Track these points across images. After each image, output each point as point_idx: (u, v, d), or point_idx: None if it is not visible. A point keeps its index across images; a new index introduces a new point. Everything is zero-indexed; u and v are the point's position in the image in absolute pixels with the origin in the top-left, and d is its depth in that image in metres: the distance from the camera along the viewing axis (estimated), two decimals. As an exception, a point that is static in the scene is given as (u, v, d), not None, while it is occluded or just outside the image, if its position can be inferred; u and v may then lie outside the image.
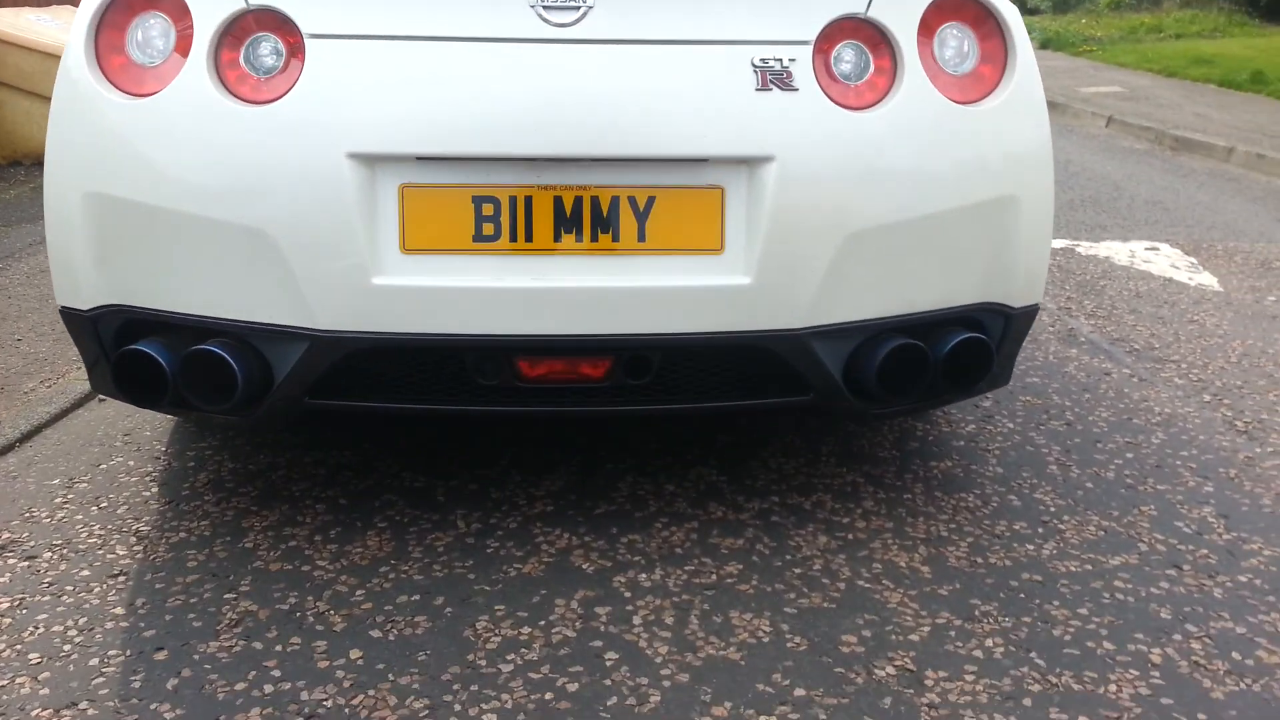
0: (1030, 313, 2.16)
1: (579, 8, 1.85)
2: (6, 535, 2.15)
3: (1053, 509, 2.30)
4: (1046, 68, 10.61)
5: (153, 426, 2.66)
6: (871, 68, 1.96)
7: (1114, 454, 2.59)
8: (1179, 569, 2.07)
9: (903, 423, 2.72)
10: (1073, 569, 2.06)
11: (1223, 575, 2.05)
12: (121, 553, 2.09)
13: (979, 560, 2.09)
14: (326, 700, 1.66)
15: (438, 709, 1.64)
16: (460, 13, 1.85)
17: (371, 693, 1.68)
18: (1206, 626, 1.88)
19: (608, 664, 1.75)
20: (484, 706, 1.65)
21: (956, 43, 2.03)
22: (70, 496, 2.32)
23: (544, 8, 1.85)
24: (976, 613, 1.91)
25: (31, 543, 2.12)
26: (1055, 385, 3.05)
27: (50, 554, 2.08)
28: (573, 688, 1.70)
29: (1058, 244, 4.92)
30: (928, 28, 1.99)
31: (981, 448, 2.61)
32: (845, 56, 1.95)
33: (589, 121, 1.84)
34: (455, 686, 1.69)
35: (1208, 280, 4.29)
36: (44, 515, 2.23)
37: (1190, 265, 4.54)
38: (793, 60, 1.89)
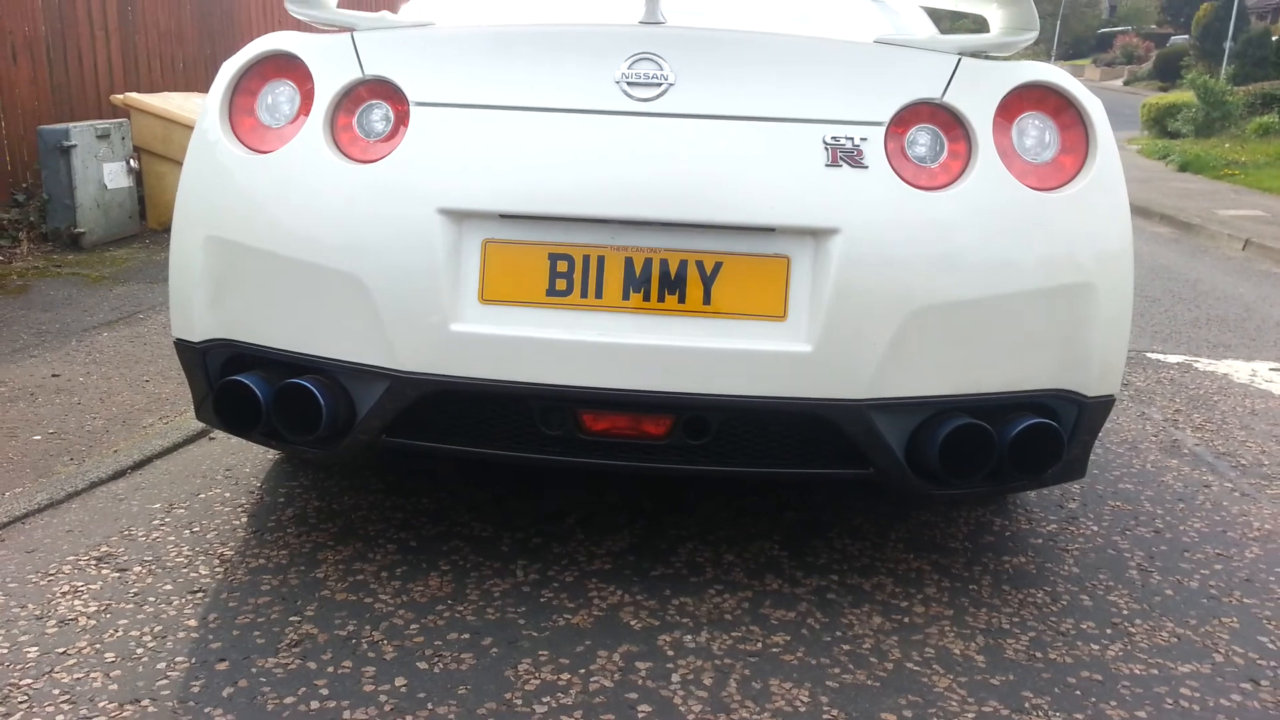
0: (1106, 403, 2.12)
1: (660, 84, 1.97)
2: (105, 549, 2.32)
3: (1125, 612, 2.22)
4: (1184, 189, 10.40)
5: (252, 464, 2.83)
6: (945, 151, 2.00)
7: (1201, 564, 2.48)
8: (1255, 684, 1.96)
9: (979, 515, 2.67)
10: (1137, 671, 1.98)
11: (1304, 693, 1.93)
12: (204, 572, 2.22)
13: (1038, 655, 2.02)
14: (366, 721, 1.72)
15: (469, 740, 1.68)
16: (551, 86, 1.99)
17: (409, 718, 1.73)
18: (1277, 742, 1.78)
19: (639, 715, 1.77)
20: (513, 742, 1.68)
21: (1037, 132, 2.06)
22: (168, 520, 2.48)
23: (628, 84, 1.97)
24: (1027, 705, 1.85)
25: (125, 557, 2.28)
26: (1149, 493, 2.94)
27: (140, 568, 2.23)
28: (602, 734, 1.72)
29: (1174, 359, 4.77)
30: (1006, 114, 2.04)
31: (1060, 547, 2.54)
32: (919, 139, 2.00)
33: (662, 189, 1.93)
34: (489, 720, 1.74)
35: (1334, 404, 4.08)
36: (141, 534, 2.40)
37: (1317, 388, 4.33)
38: (864, 139, 1.96)
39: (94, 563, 2.25)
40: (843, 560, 2.39)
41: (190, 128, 6.12)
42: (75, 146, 5.66)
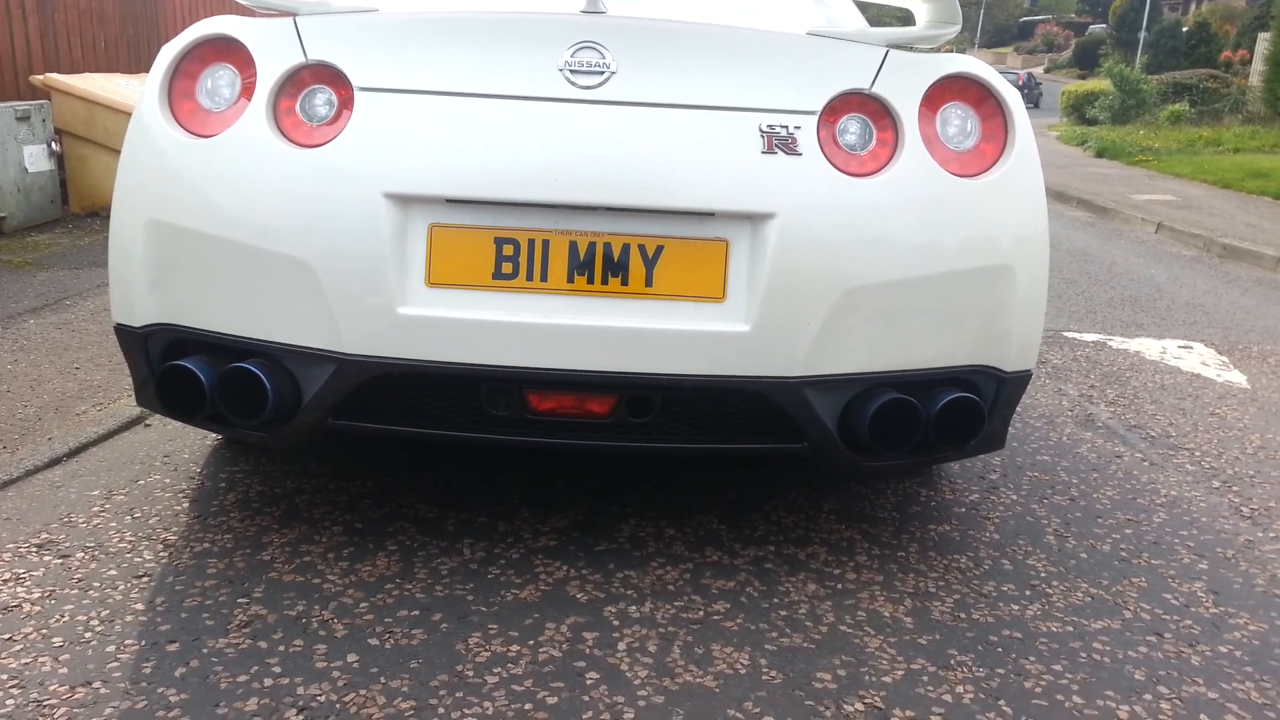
0: (1023, 378, 2.24)
1: (602, 73, 2.02)
2: (45, 536, 2.31)
3: (1043, 574, 2.35)
4: (1101, 175, 10.76)
5: (191, 449, 2.82)
6: (874, 139, 2.10)
7: (1113, 529, 2.63)
8: (1160, 636, 2.11)
9: (906, 487, 2.79)
10: (1054, 629, 2.11)
11: (1203, 645, 2.08)
12: (148, 557, 2.23)
13: (962, 615, 2.14)
14: (320, 696, 1.76)
15: (422, 710, 1.74)
16: (495, 73, 2.03)
17: (363, 692, 1.78)
18: (1179, 690, 1.91)
19: (588, 682, 1.84)
20: (466, 711, 1.74)
21: (959, 121, 2.16)
22: (108, 506, 2.47)
23: (571, 71, 2.02)
24: (952, 661, 1.97)
25: (67, 544, 2.28)
26: (1065, 464, 3.10)
27: (83, 554, 2.23)
28: (552, 701, 1.78)
29: (1089, 337, 4.98)
30: (930, 104, 2.13)
31: (982, 515, 2.67)
32: (849, 128, 2.09)
33: (605, 174, 1.99)
34: (441, 692, 1.79)
35: (1236, 378, 4.31)
36: (81, 521, 2.39)
37: (1221, 364, 4.56)
38: (798, 128, 2.04)
39: (35, 550, 2.24)
40: (779, 532, 2.49)
41: (113, 109, 6.02)
42: (-8, 129, 5.51)
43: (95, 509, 2.46)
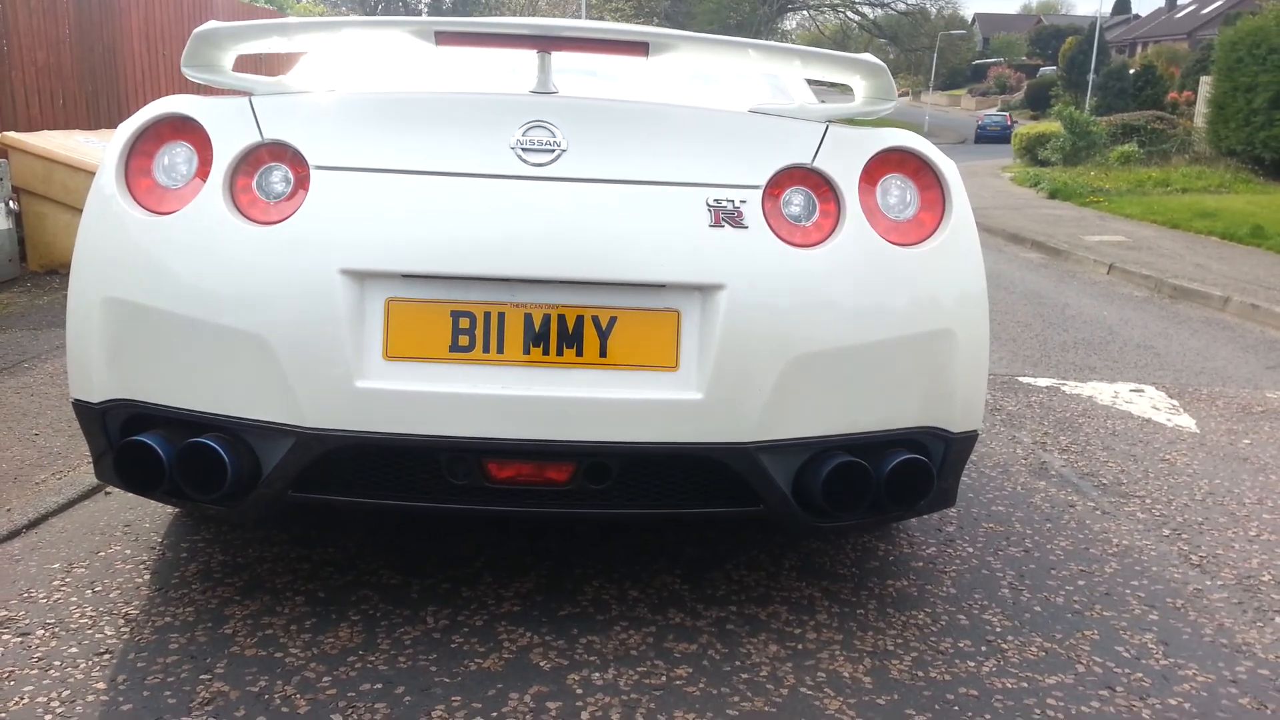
0: (970, 438, 2.30)
1: (553, 150, 2.08)
2: (3, 613, 2.29)
3: (999, 629, 2.40)
4: (1053, 216, 11.00)
5: (152, 519, 2.81)
6: (817, 211, 2.17)
7: (1066, 580, 2.69)
8: (1112, 690, 2.16)
9: (865, 542, 2.84)
10: (1009, 685, 2.15)
11: (1153, 698, 2.13)
12: (110, 633, 2.22)
13: (920, 674, 2.18)
14: (282, 774, 1.76)
15: (385, 787, 1.74)
16: (449, 151, 2.08)
17: (325, 770, 1.78)
18: (1130, 744, 1.96)
19: (551, 753, 1.85)
20: (428, 786, 1.75)
21: (899, 191, 2.24)
22: (68, 580, 2.46)
23: (523, 149, 2.08)
24: (909, 722, 2.00)
25: (26, 620, 2.26)
26: (1019, 514, 3.16)
27: (43, 631, 2.21)
28: (515, 773, 1.79)
29: (1043, 382, 5.08)
30: (870, 177, 2.21)
31: (939, 569, 2.72)
32: (793, 200, 2.16)
33: (558, 248, 2.04)
34: (404, 767, 1.79)
35: (1186, 422, 4.42)
36: (41, 596, 2.37)
37: (1171, 407, 4.67)
38: (744, 201, 2.10)
39: (-8, 628, 2.22)
40: (740, 591, 2.52)
41: (71, 167, 6.02)
42: (-49, 190, 5.48)
43: (55, 583, 2.45)
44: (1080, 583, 2.68)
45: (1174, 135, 20.73)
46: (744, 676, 2.14)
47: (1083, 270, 9.68)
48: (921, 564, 2.74)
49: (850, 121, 2.27)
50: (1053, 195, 15.92)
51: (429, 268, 2.03)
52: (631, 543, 2.73)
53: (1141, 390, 5.00)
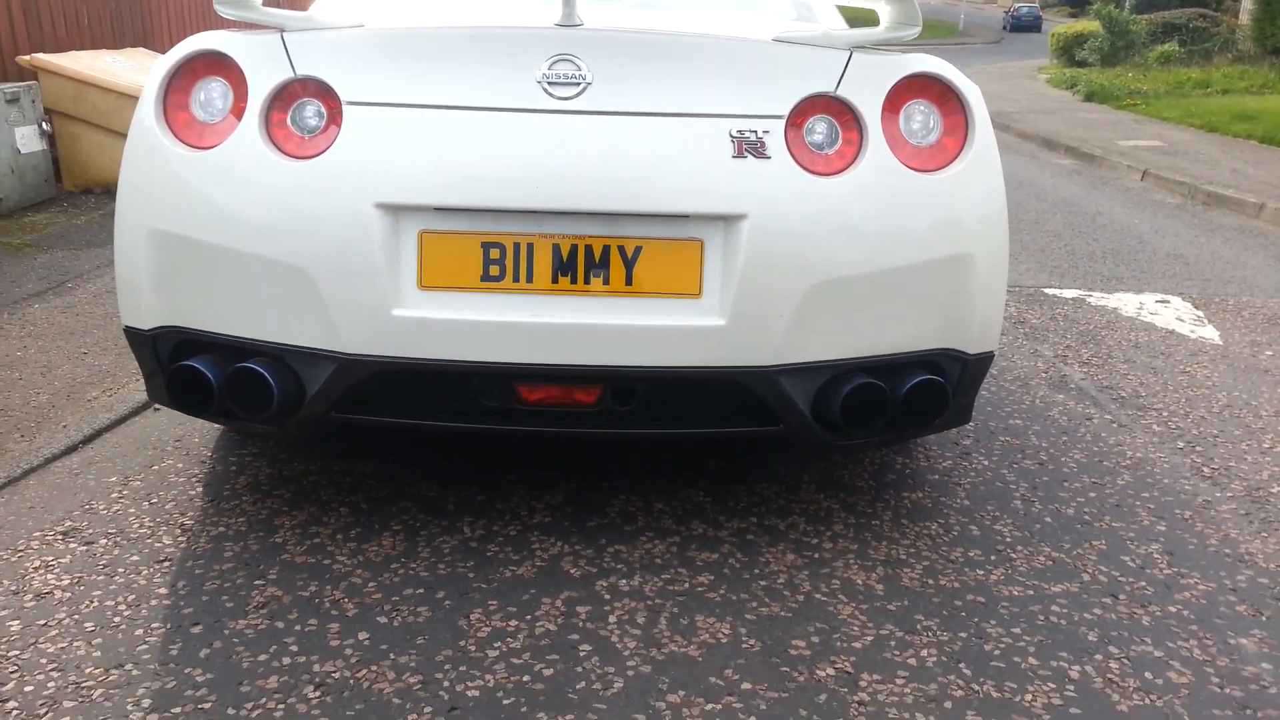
0: (985, 359, 2.37)
1: (579, 84, 2.12)
2: (69, 523, 2.45)
3: (1009, 539, 2.50)
4: (1089, 120, 10.77)
5: (201, 434, 2.96)
6: (840, 139, 2.20)
7: (1078, 493, 2.78)
8: (1115, 598, 2.26)
9: (883, 456, 2.94)
10: (1015, 593, 2.26)
11: (1154, 605, 2.24)
12: (168, 542, 2.37)
13: (930, 582, 2.30)
14: (335, 673, 1.92)
15: (429, 684, 1.89)
16: (477, 86, 2.13)
17: (374, 668, 1.93)
18: (1127, 649, 2.07)
19: (581, 654, 1.99)
20: (469, 684, 1.90)
21: (922, 117, 2.27)
22: (125, 492, 2.62)
23: (549, 83, 2.12)
24: (918, 626, 2.12)
25: (90, 530, 2.42)
26: (1036, 428, 3.24)
27: (106, 540, 2.37)
28: (548, 673, 1.94)
29: (1069, 293, 5.10)
30: (894, 103, 2.24)
31: (954, 482, 2.82)
32: (816, 129, 2.19)
33: (585, 180, 2.10)
34: (446, 666, 1.94)
35: (1209, 333, 4.44)
36: (101, 508, 2.53)
37: (1196, 319, 4.69)
38: (766, 132, 2.15)
39: (60, 537, 2.38)
40: (760, 503, 2.64)
41: (101, 87, 6.07)
42: (-16, 111, 5.56)
43: (114, 495, 2.60)
44: (1091, 494, 2.77)
45: (1217, 34, 20.05)
46: (762, 584, 2.26)
47: (1116, 177, 9.55)
48: (937, 477, 2.84)
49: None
50: (1089, 98, 15.57)
51: (459, 201, 2.10)
52: (657, 458, 2.84)
53: (1167, 301, 5.01)
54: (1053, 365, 3.90)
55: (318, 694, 1.86)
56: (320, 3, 2.78)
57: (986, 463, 2.95)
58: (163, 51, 2.26)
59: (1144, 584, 2.32)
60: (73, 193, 6.33)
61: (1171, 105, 13.72)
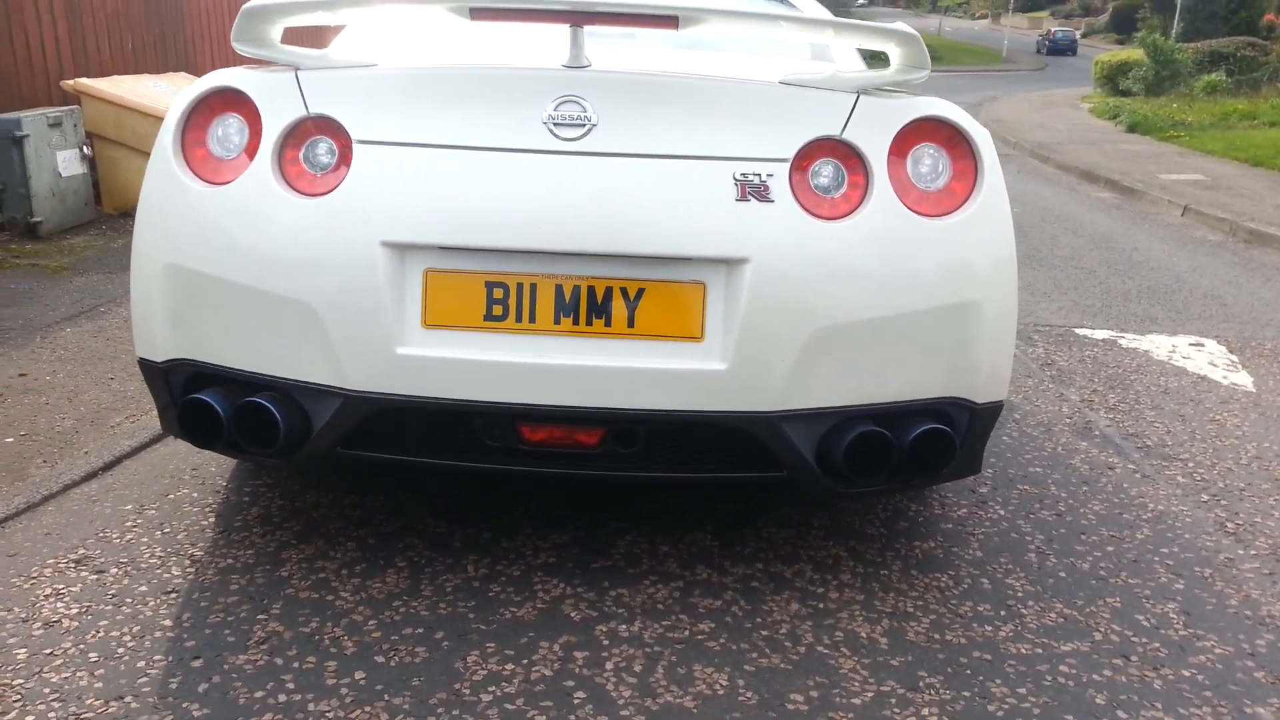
0: (994, 408, 2.34)
1: (584, 125, 2.13)
2: (82, 551, 2.48)
3: (1020, 594, 2.46)
4: (1131, 152, 10.63)
5: (218, 464, 2.99)
6: (845, 183, 2.19)
7: (1095, 546, 2.72)
8: (1126, 659, 2.21)
9: (897, 503, 2.90)
10: (1024, 651, 2.22)
11: (1167, 668, 2.18)
12: (176, 573, 2.39)
13: (936, 637, 2.26)
14: (329, 713, 1.92)
15: (421, 728, 1.89)
16: (483, 126, 2.15)
17: (368, 709, 1.93)
18: (1136, 714, 2.02)
19: (575, 701, 1.98)
20: (461, 730, 1.89)
21: (931, 161, 2.25)
22: (139, 521, 2.65)
23: (554, 124, 2.14)
24: (921, 684, 2.08)
25: (102, 559, 2.45)
26: (1056, 476, 3.19)
27: (116, 570, 2.40)
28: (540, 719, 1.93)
29: (1100, 334, 5.03)
30: (901, 147, 2.22)
31: (967, 531, 2.77)
32: (822, 172, 2.19)
33: (588, 222, 2.11)
34: (440, 710, 1.94)
35: (1243, 380, 4.36)
36: (115, 536, 2.56)
37: (1230, 364, 4.60)
38: (770, 175, 2.14)
39: (73, 565, 2.42)
40: (768, 548, 2.61)
41: (142, 112, 6.20)
42: (28, 136, 5.70)
43: (128, 524, 2.63)
44: (1109, 549, 2.72)
45: (1265, 63, 19.76)
46: (764, 633, 2.24)
47: (1156, 212, 9.42)
48: (951, 526, 2.80)
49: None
50: (1131, 129, 15.39)
51: (464, 240, 2.11)
52: (666, 500, 2.83)
53: (1202, 344, 4.92)
54: (1078, 410, 3.84)
55: (309, 735, 1.86)
56: (340, 41, 2.82)
57: (1003, 512, 2.90)
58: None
59: (1158, 645, 2.27)
60: (112, 215, 6.46)
61: (1216, 138, 13.53)
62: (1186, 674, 2.16)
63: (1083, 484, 3.13)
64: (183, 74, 7.42)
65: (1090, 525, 2.85)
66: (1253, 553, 2.74)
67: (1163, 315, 5.52)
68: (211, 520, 2.66)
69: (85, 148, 6.21)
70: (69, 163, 6.03)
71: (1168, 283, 6.38)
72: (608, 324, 2.13)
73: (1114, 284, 6.27)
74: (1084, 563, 2.63)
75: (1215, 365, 4.57)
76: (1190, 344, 4.93)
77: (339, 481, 2.87)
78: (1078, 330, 5.10)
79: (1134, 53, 21.78)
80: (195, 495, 2.80)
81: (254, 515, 2.69)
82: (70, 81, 6.28)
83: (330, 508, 2.73)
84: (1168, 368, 4.50)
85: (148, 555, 2.47)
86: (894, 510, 2.86)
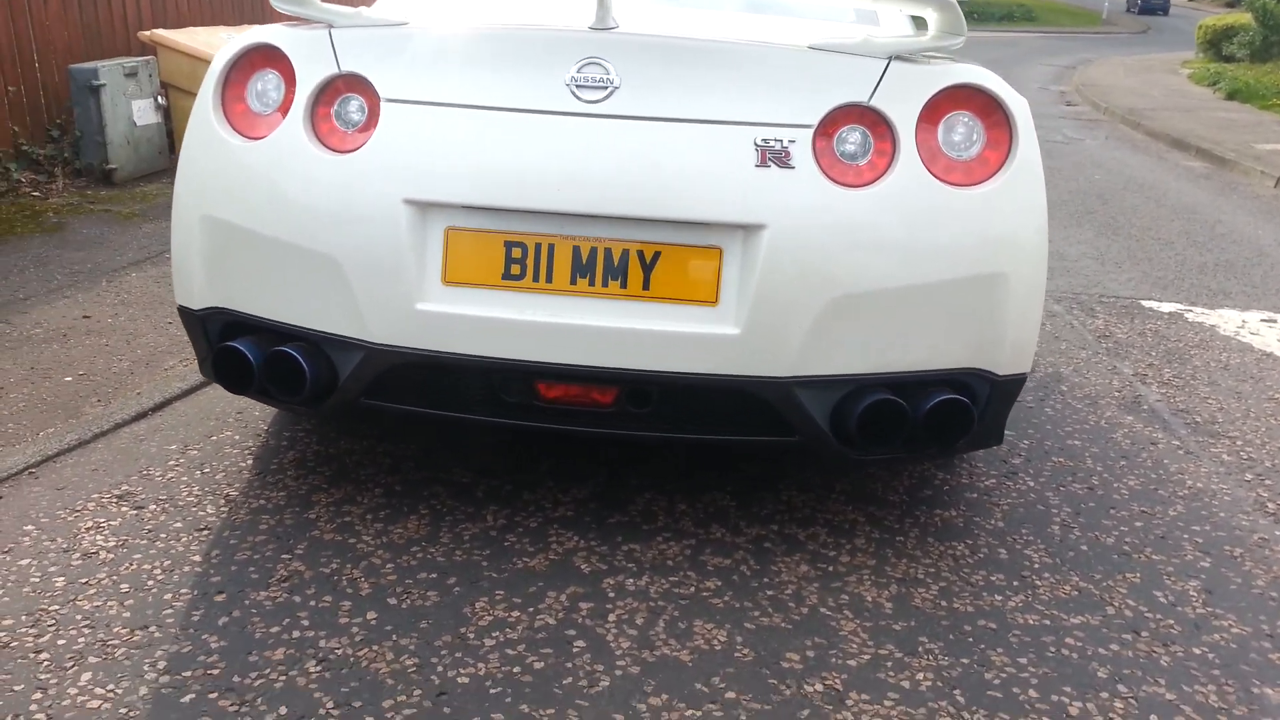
0: (1017, 380, 2.30)
1: (606, 88, 2.14)
2: (125, 488, 2.61)
3: (1037, 565, 2.43)
4: (1227, 120, 10.22)
5: (261, 409, 3.10)
6: (872, 150, 2.17)
7: (1123, 521, 2.68)
8: (1136, 634, 2.18)
9: (924, 470, 2.88)
10: (1031, 621, 2.20)
11: (1177, 645, 2.15)
12: (210, 511, 2.51)
13: (943, 604, 2.25)
14: (338, 650, 2.00)
15: (424, 668, 1.96)
16: (506, 87, 2.17)
17: (375, 648, 2.01)
18: (1138, 689, 2.00)
19: (574, 650, 2.03)
20: (461, 670, 1.96)
21: (965, 129, 2.21)
22: (182, 460, 2.77)
23: (577, 86, 2.15)
24: (920, 649, 2.09)
25: (143, 495, 2.57)
26: (1094, 450, 3.13)
27: (155, 506, 2.52)
28: (539, 665, 1.98)
29: (1167, 307, 4.88)
30: (933, 115, 2.18)
31: (992, 501, 2.74)
32: (848, 139, 2.16)
33: (607, 184, 2.12)
34: (443, 651, 2.01)
35: (1311, 358, 4.19)
36: (158, 474, 2.69)
37: (1300, 341, 4.43)
38: (793, 141, 2.13)
39: (115, 501, 2.55)
40: (786, 511, 2.62)
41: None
42: (104, 85, 5.90)
43: (171, 463, 2.76)
44: (1138, 524, 2.67)
45: (1383, 28, 18.64)
46: (769, 593, 2.26)
47: (1247, 183, 9.02)
48: (976, 495, 2.78)
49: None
50: (1231, 96, 14.71)
51: (485, 200, 2.15)
52: (688, 459, 2.85)
53: (1274, 321, 4.74)
54: (1129, 384, 3.74)
55: (319, 668, 1.95)
56: (379, 2, 2.87)
57: (1032, 483, 2.87)
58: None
59: (1172, 622, 2.23)
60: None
61: (1321, 106, 12.86)
62: (1197, 651, 2.13)
63: (1121, 458, 3.07)
64: (257, 26, 7.56)
65: (1122, 500, 2.80)
66: (1290, 535, 2.66)
67: (1237, 289, 5.32)
68: (250, 462, 2.77)
69: (160, 97, 6.40)
70: (144, 112, 6.23)
71: (1248, 256, 6.14)
72: (623, 286, 2.15)
73: (1190, 256, 6.05)
74: (1109, 537, 2.59)
75: (1284, 342, 4.40)
76: (1261, 320, 4.75)
77: (372, 429, 2.96)
78: (1144, 303, 4.95)
79: (1241, 16, 20.73)
80: (237, 438, 2.91)
81: (290, 459, 2.79)
82: (147, 33, 6.47)
83: (363, 454, 2.82)
84: (1232, 343, 4.36)
85: (186, 493, 2.59)
86: (919, 478, 2.84)
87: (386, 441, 2.90)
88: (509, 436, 2.93)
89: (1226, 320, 4.72)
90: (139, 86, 6.22)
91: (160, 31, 6.43)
